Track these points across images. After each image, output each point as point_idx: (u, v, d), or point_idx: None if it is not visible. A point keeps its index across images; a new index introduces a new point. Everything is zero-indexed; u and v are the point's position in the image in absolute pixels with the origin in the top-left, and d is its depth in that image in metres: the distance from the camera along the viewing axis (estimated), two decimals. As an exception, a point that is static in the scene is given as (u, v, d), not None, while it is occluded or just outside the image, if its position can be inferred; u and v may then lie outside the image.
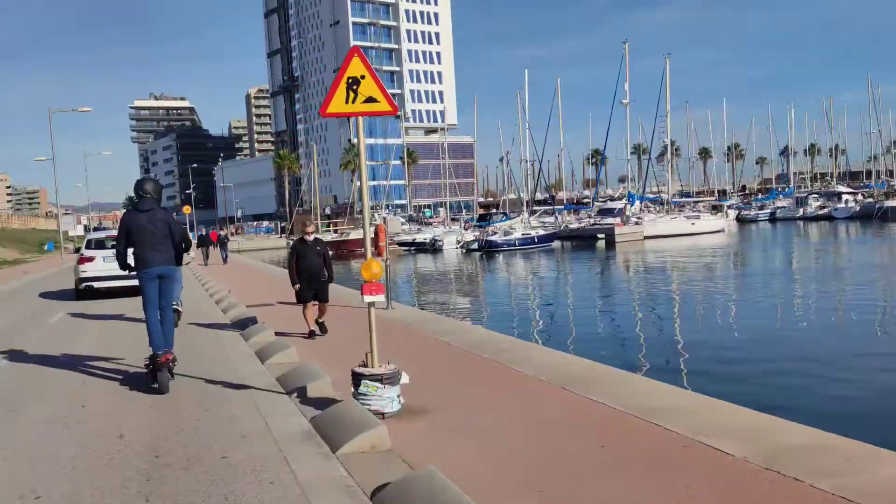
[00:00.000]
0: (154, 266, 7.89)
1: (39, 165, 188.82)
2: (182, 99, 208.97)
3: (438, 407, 6.78)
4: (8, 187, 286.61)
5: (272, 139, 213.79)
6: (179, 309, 13.17)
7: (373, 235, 11.98)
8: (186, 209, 45.33)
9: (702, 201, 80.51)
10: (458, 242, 59.30)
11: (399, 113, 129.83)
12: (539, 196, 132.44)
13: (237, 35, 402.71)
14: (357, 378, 6.50)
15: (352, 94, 6.62)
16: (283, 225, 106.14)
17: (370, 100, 6.66)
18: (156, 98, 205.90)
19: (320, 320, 11.47)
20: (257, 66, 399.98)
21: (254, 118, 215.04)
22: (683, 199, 79.38)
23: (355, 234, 68.47)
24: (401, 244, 62.27)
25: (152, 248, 7.87)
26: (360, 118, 6.82)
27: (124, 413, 7.07)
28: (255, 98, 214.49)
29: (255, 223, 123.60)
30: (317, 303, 11.55)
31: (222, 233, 37.35)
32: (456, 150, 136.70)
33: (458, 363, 9.07)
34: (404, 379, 6.62)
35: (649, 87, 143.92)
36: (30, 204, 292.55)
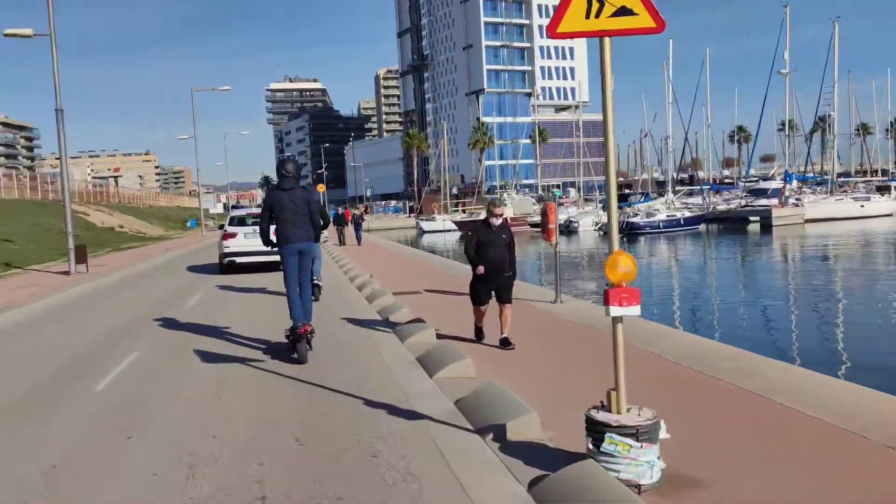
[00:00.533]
0: (295, 242, 8.34)
1: (184, 149, 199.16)
2: (314, 80, 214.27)
3: (711, 474, 4.53)
4: (156, 167, 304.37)
5: (400, 119, 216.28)
6: (319, 283, 13.67)
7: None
8: (320, 187, 44.98)
9: (869, 181, 72.89)
10: (596, 224, 56.16)
11: (530, 90, 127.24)
12: (677, 176, 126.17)
13: (368, 16, 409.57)
14: (597, 429, 4.38)
15: (595, 5, 4.38)
16: (410, 204, 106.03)
17: (623, 11, 4.40)
18: (290, 80, 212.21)
19: (504, 334, 8.90)
20: (387, 48, 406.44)
21: (382, 99, 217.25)
22: (847, 179, 72.12)
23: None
24: (533, 225, 59.83)
25: (293, 225, 8.29)
26: (607, 41, 4.54)
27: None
28: (384, 79, 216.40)
29: (382, 202, 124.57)
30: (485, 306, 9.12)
31: (356, 212, 36.01)
32: (587, 128, 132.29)
33: (687, 388, 6.75)
34: (663, 433, 4.44)
35: (800, 57, 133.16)
36: (175, 183, 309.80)
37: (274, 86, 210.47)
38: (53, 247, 33.19)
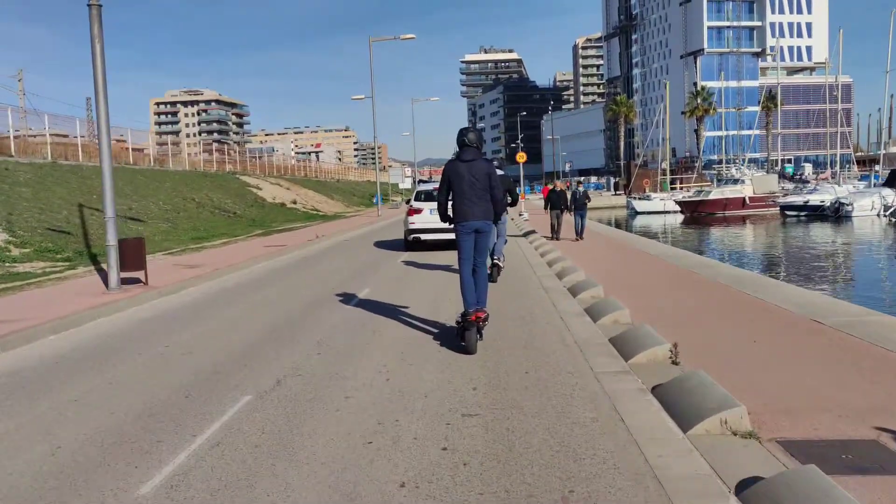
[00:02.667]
0: (471, 219, 7.53)
1: (382, 123, 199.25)
2: (510, 51, 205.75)
3: None
4: (355, 143, 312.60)
5: (599, 90, 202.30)
6: (500, 264, 12.76)
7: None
8: (521, 156, 35.95)
9: None
10: (886, 208, 42.47)
11: (759, 48, 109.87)
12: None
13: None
14: None
15: None
16: (615, 180, 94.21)
17: None
18: (485, 51, 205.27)
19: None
20: (586, 16, 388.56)
21: (580, 70, 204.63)
22: None
23: (717, 194, 54.28)
24: (786, 208, 47.01)
25: (470, 201, 7.49)
26: None
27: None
28: (583, 48, 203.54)
29: (581, 178, 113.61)
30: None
31: (576, 187, 23.54)
32: (825, 94, 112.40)
33: None
34: None
35: None
36: (373, 158, 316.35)
37: (469, 57, 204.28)
38: (195, 227, 26.89)
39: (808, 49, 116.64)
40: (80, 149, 30.89)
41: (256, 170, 54.52)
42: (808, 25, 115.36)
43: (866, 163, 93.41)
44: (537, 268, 14.76)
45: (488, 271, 9.70)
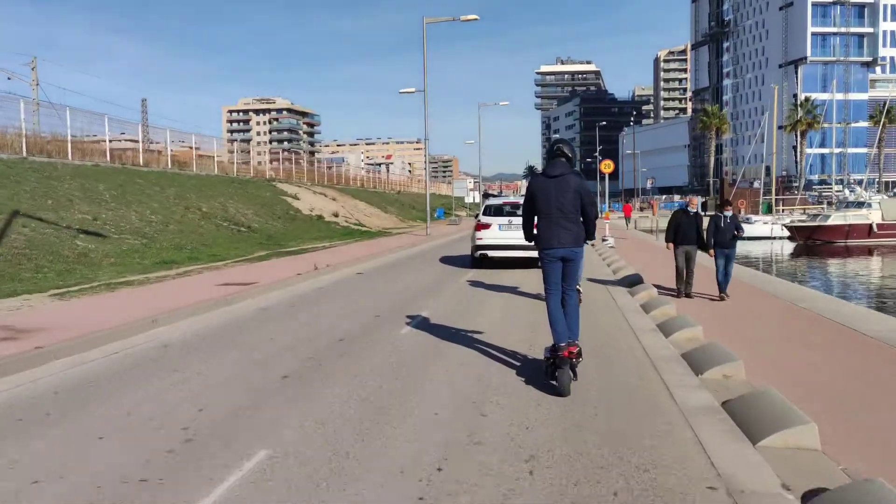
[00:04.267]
0: (557, 247, 6.50)
1: (453, 136, 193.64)
2: (588, 63, 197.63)
3: None
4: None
5: (679, 104, 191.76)
6: (580, 288, 10.73)
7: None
8: (607, 165, 28.34)
9: None
10: None
11: (870, 58, 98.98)
12: None
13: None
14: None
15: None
16: (703, 200, 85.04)
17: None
18: (562, 62, 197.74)
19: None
20: (665, 31, 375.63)
21: (661, 83, 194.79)
22: None
23: (838, 219, 45.57)
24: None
25: (557, 224, 6.46)
26: None
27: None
28: (665, 61, 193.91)
29: (663, 197, 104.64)
30: None
31: (724, 213, 12.93)
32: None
33: None
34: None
35: None
36: (444, 172, 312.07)
37: (545, 68, 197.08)
38: (181, 244, 20.79)
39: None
40: None
41: (324, 179, 52.10)
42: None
43: None
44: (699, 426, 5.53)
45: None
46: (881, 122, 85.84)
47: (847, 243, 44.55)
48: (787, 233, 48.79)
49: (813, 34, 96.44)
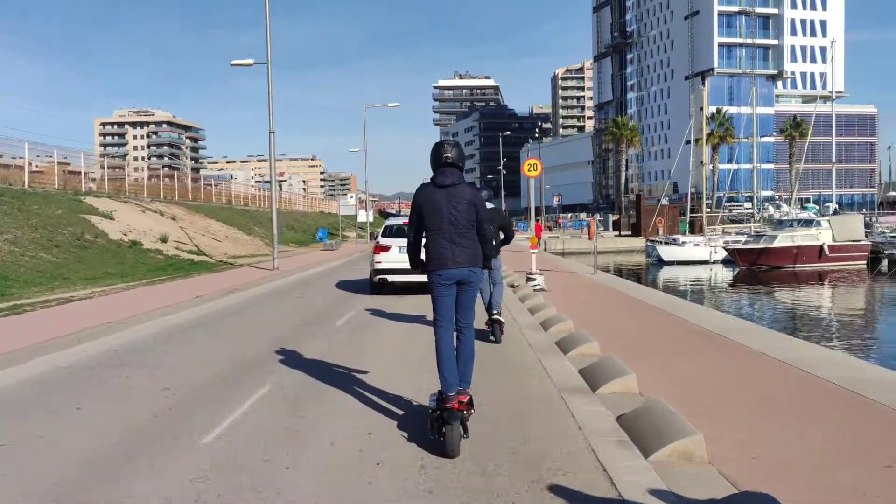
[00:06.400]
0: (451, 266, 5.40)
1: (351, 156, 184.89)
2: (487, 78, 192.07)
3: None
4: (322, 173, 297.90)
5: (577, 122, 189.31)
6: (501, 319, 10.19)
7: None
8: (533, 166, 19.44)
9: None
10: None
11: (775, 70, 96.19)
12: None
13: (540, 14, 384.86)
14: None
15: None
16: (615, 219, 78.81)
17: None
18: (460, 77, 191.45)
19: None
20: (562, 51, 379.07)
21: (559, 100, 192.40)
22: None
23: (785, 240, 38.96)
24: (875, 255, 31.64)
25: (450, 241, 5.42)
26: None
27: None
28: (562, 78, 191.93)
29: (569, 216, 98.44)
30: None
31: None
32: (847, 126, 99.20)
33: None
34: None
35: None
36: (342, 189, 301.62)
37: (443, 83, 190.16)
38: None
39: (822, 76, 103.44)
40: None
41: (199, 196, 45.13)
42: (822, 50, 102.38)
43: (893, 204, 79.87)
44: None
45: (487, 328, 9.75)
46: (792, 137, 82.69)
47: (795, 268, 38.04)
48: (720, 256, 42.12)
49: (720, 45, 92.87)
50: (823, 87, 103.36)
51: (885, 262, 40.22)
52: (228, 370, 8.25)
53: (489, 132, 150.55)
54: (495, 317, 10.17)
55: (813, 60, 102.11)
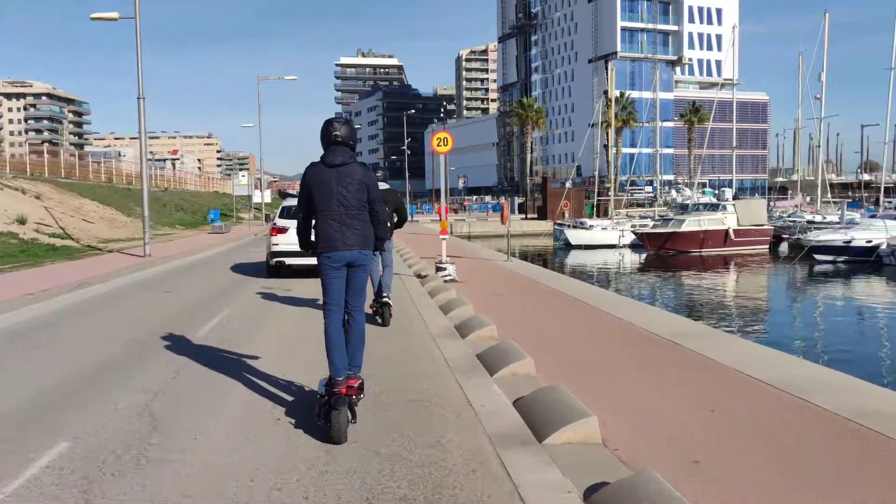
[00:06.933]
0: (341, 248, 5.28)
1: (252, 132, 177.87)
2: (391, 57, 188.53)
3: None
4: (218, 152, 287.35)
5: (482, 105, 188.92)
6: (390, 302, 9.94)
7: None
8: (443, 140, 17.78)
9: None
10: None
11: (675, 56, 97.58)
12: (845, 179, 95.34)
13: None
14: None
15: None
16: (520, 202, 78.03)
17: None
18: (363, 55, 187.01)
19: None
20: (466, 33, 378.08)
21: (463, 82, 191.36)
22: None
23: (692, 224, 38.54)
24: (818, 250, 31.49)
25: (340, 222, 5.29)
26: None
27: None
28: (467, 60, 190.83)
29: (473, 198, 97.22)
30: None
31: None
32: (741, 113, 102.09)
33: None
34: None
35: None
36: (240, 169, 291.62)
37: (345, 60, 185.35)
38: None
39: (718, 63, 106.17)
40: None
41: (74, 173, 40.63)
42: (718, 38, 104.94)
43: (784, 189, 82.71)
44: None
45: (371, 311, 9.24)
46: (691, 122, 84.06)
47: (702, 253, 37.69)
48: (628, 240, 41.48)
49: (622, 29, 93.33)
50: (719, 74, 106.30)
51: (784, 245, 40.68)
52: (25, 413, 5.76)
53: (393, 112, 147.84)
54: (384, 299, 9.91)
55: (710, 48, 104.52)
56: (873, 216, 41.37)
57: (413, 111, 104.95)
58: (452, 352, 8.09)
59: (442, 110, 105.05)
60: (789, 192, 71.16)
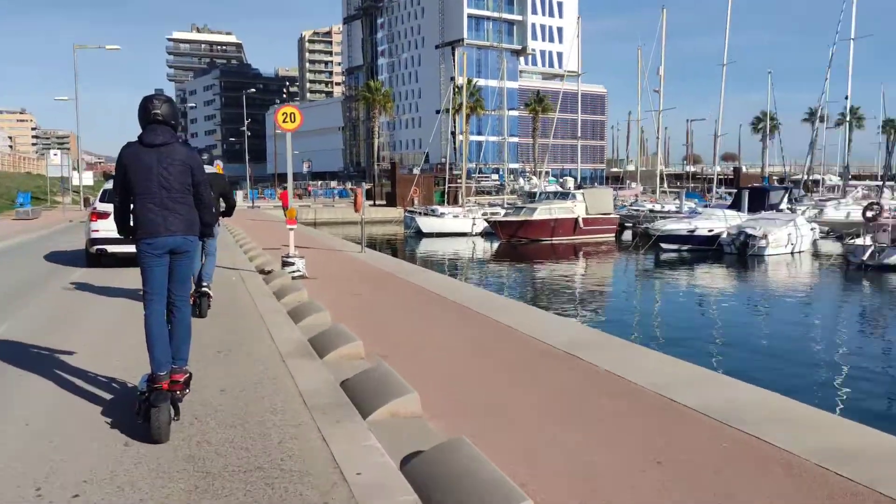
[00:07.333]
0: (164, 234, 4.98)
1: (71, 108, 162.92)
2: (228, 34, 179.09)
3: None
4: (34, 129, 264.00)
5: (326, 86, 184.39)
6: (210, 292, 9.46)
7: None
8: (289, 116, 15.73)
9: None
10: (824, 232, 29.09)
11: (520, 45, 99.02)
12: (673, 170, 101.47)
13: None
14: None
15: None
16: (367, 188, 75.92)
17: None
18: (198, 30, 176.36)
19: None
20: (311, 10, 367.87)
21: (307, 63, 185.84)
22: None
23: (543, 213, 38.41)
24: (664, 239, 31.96)
25: (161, 206, 4.97)
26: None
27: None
28: (310, 41, 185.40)
29: (319, 184, 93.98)
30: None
31: None
32: (582, 104, 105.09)
33: None
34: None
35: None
36: (60, 148, 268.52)
37: (178, 35, 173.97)
38: None
39: (559, 55, 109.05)
40: None
41: None
42: (560, 30, 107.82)
43: (621, 179, 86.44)
44: None
45: (193, 301, 8.35)
46: (535, 112, 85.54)
47: (553, 241, 37.61)
48: (480, 228, 40.85)
49: (469, 16, 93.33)
50: (560, 65, 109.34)
51: (629, 233, 41.63)
52: None
53: (231, 92, 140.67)
54: (204, 289, 9.42)
55: (552, 40, 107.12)
56: (706, 206, 43.27)
57: (253, 90, 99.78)
58: (309, 380, 6.17)
59: (284, 92, 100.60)
60: (628, 181, 74.08)
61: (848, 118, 53.06)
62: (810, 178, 52.26)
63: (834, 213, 37.18)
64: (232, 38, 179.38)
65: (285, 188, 51.46)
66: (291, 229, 14.28)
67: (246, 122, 70.89)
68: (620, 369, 6.60)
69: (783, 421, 5.13)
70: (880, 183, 37.07)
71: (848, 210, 37.29)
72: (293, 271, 13.37)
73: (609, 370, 6.61)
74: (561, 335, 8.25)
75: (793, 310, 20.32)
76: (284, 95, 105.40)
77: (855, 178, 58.13)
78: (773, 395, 6.06)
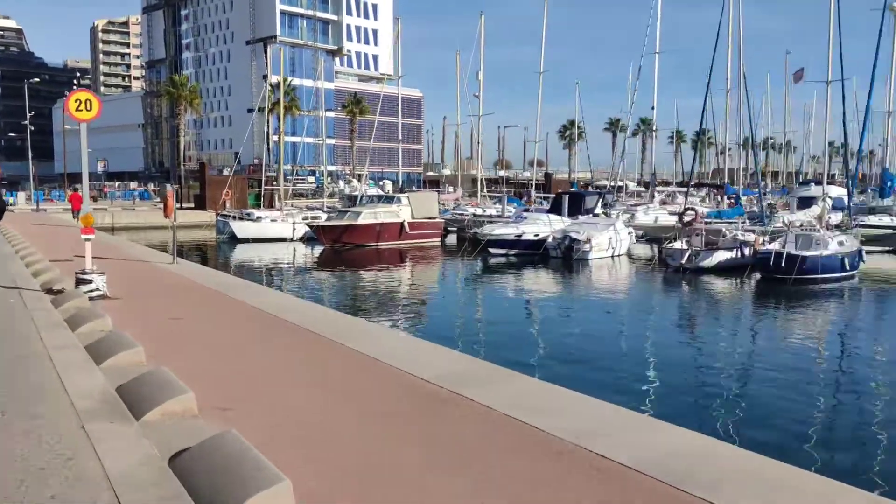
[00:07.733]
0: None
1: None
2: (6, 18, 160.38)
3: None
4: None
5: (123, 80, 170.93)
6: None
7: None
8: (83, 103, 13.07)
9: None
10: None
11: (335, 46, 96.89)
12: (486, 174, 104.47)
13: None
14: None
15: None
16: (175, 189, 70.46)
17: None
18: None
19: None
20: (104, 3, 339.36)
21: (100, 55, 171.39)
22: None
23: (369, 217, 37.13)
24: (493, 244, 31.62)
25: None
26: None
27: None
28: (103, 31, 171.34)
29: (116, 184, 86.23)
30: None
31: None
32: (395, 106, 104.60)
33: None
34: None
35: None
36: None
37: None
38: None
39: (375, 58, 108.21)
40: None
41: None
42: (375, 33, 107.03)
43: (439, 183, 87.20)
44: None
45: None
46: (353, 113, 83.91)
47: (379, 246, 36.33)
48: (301, 233, 38.73)
49: (281, 13, 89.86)
50: (377, 68, 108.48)
51: (453, 238, 41.36)
52: None
53: (11, 82, 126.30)
54: None
55: (367, 42, 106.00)
56: (526, 210, 44.06)
57: (37, 80, 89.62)
58: (121, 459, 4.33)
59: (75, 84, 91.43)
60: (447, 185, 74.54)
61: (655, 128, 56.59)
62: (617, 183, 55.12)
63: (644, 217, 39.04)
64: (11, 23, 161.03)
65: (76, 189, 46.26)
66: (88, 239, 11.74)
67: (28, 116, 62.98)
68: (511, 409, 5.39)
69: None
70: (685, 189, 39.40)
71: (656, 214, 39.34)
72: (91, 290, 10.97)
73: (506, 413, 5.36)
74: (425, 364, 6.90)
75: (624, 312, 20.51)
76: (75, 88, 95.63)
77: (659, 184, 62.24)
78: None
